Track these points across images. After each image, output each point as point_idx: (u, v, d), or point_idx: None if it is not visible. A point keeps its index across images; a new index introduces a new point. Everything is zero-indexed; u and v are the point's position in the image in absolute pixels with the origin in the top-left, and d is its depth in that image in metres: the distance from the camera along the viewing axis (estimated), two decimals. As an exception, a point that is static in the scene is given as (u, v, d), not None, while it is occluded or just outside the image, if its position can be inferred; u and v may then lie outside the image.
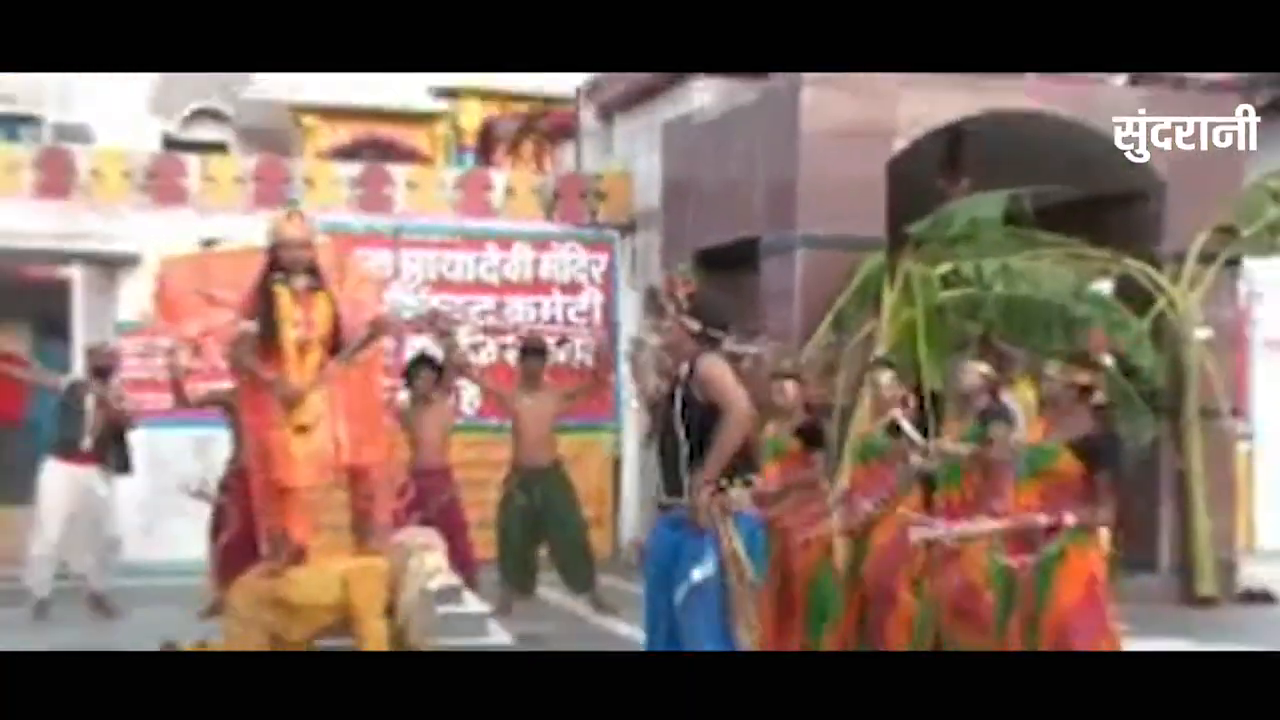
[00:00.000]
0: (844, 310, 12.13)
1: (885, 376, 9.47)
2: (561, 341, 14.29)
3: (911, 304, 11.87)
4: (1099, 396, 7.29)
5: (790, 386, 9.86)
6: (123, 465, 12.13)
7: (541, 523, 11.86)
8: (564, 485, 12.00)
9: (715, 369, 6.67)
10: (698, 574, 6.58)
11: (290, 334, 8.54)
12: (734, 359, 7.56)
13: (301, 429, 8.53)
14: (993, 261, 11.92)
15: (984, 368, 9.19)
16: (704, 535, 6.61)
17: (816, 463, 9.61)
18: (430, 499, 11.53)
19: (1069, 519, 6.93)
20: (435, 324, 12.23)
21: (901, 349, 11.61)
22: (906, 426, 9.21)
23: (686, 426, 6.68)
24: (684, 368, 6.77)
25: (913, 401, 9.63)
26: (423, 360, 11.90)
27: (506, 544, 11.96)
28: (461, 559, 11.21)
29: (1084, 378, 7.23)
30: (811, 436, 9.67)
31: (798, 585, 9.60)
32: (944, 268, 12.01)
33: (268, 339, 8.54)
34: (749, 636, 6.64)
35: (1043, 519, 6.99)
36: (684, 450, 6.68)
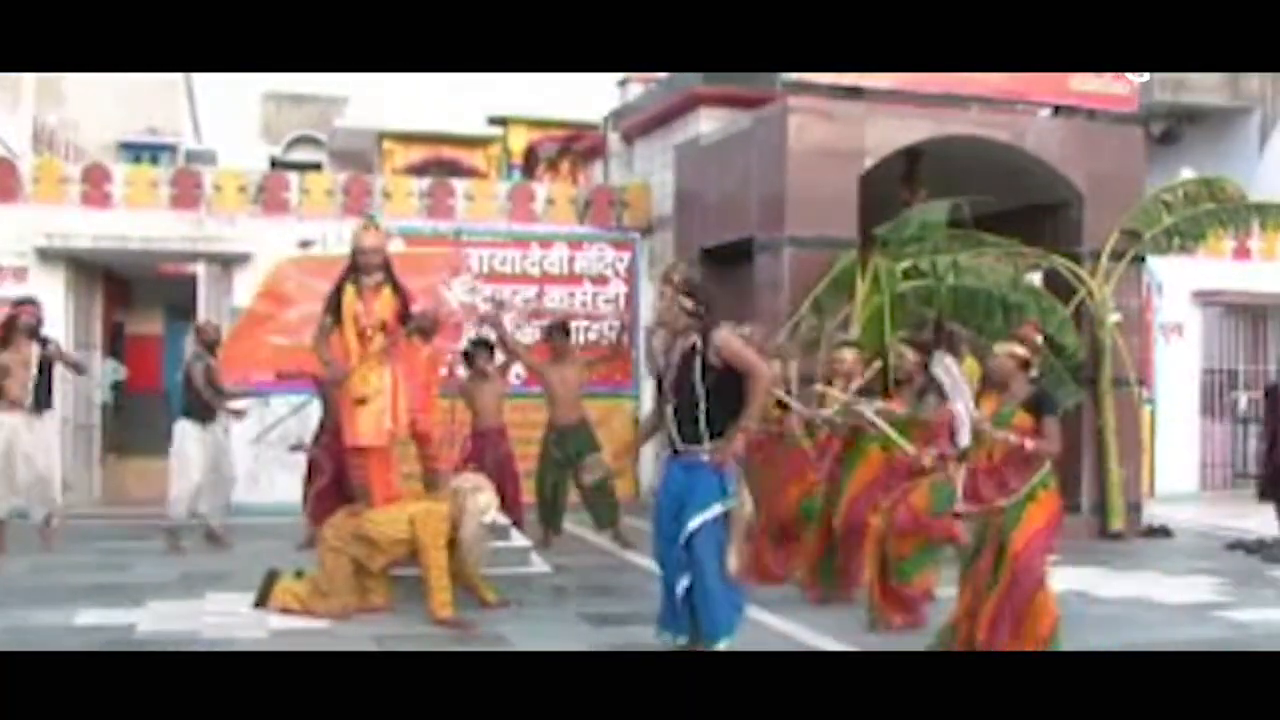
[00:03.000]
0: (822, 298, 11.96)
1: (848, 353, 9.50)
2: (596, 320, 14.24)
3: (879, 293, 11.71)
4: (1034, 369, 7.25)
5: (849, 353, 9.75)
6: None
7: (572, 471, 11.75)
8: (590, 439, 11.90)
9: (733, 340, 6.62)
10: (716, 508, 6.53)
11: (350, 321, 8.58)
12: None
13: (362, 400, 8.54)
14: (945, 258, 11.83)
15: (914, 354, 8.89)
16: (714, 476, 6.53)
17: (789, 423, 9.67)
18: (488, 453, 11.53)
19: (1029, 444, 6.91)
20: (488, 318, 12.28)
21: (870, 330, 11.50)
22: (784, 398, 9.56)
23: (706, 387, 6.55)
24: (695, 339, 6.61)
25: (866, 373, 9.46)
26: (479, 343, 11.92)
27: (542, 490, 11.88)
28: (513, 502, 11.18)
29: (1022, 352, 7.16)
30: (784, 405, 9.65)
31: (778, 517, 9.65)
32: (905, 263, 11.87)
33: (338, 328, 8.60)
34: (736, 561, 6.56)
35: (1014, 438, 6.96)
36: (702, 406, 6.55)
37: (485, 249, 15.02)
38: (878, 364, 9.75)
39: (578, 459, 11.50)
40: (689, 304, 6.77)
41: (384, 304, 8.71)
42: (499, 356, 12.03)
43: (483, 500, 8.66)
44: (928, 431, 8.44)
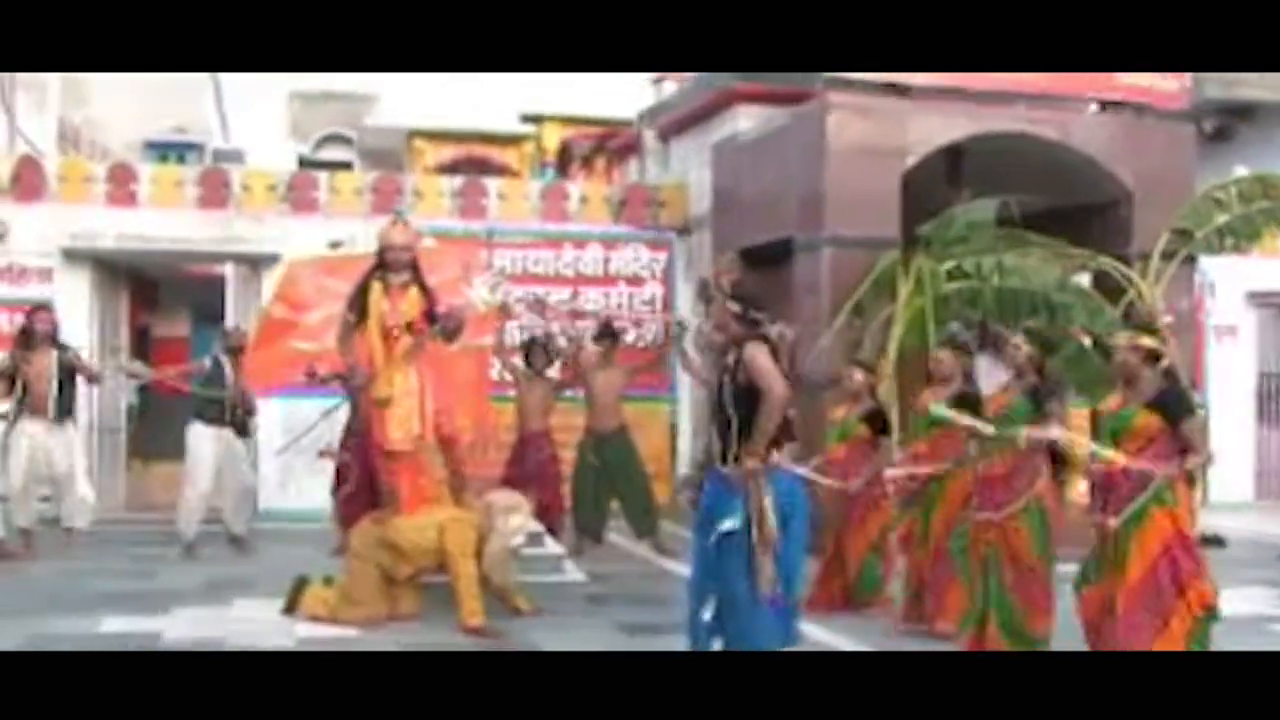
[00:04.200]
0: (864, 299, 11.96)
1: (946, 355, 8.90)
2: (637, 324, 14.25)
3: (921, 294, 11.68)
4: (1165, 360, 6.81)
5: (859, 374, 9.61)
6: (242, 427, 12.00)
7: (611, 479, 11.79)
8: (628, 446, 11.95)
9: (756, 356, 6.46)
10: (726, 524, 6.44)
11: (376, 321, 8.56)
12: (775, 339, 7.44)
13: (386, 402, 8.54)
14: (989, 258, 11.76)
15: (952, 356, 8.71)
16: (736, 494, 6.45)
17: (883, 448, 9.24)
18: (529, 457, 11.58)
19: (1165, 468, 6.48)
20: (537, 311, 12.50)
21: (913, 331, 11.47)
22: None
23: (735, 405, 6.50)
24: (732, 355, 6.55)
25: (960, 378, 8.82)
26: (535, 341, 11.92)
27: (580, 497, 11.91)
28: (551, 508, 11.20)
29: (1149, 342, 6.76)
30: (879, 423, 9.35)
31: (851, 555, 9.30)
32: (948, 264, 11.84)
33: (361, 326, 8.59)
34: (766, 585, 6.38)
35: (1122, 460, 6.53)
36: (733, 425, 6.49)
37: (518, 249, 15.04)
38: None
39: (615, 466, 11.57)
40: (737, 308, 6.72)
41: (411, 303, 8.70)
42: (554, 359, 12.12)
43: (514, 522, 8.67)
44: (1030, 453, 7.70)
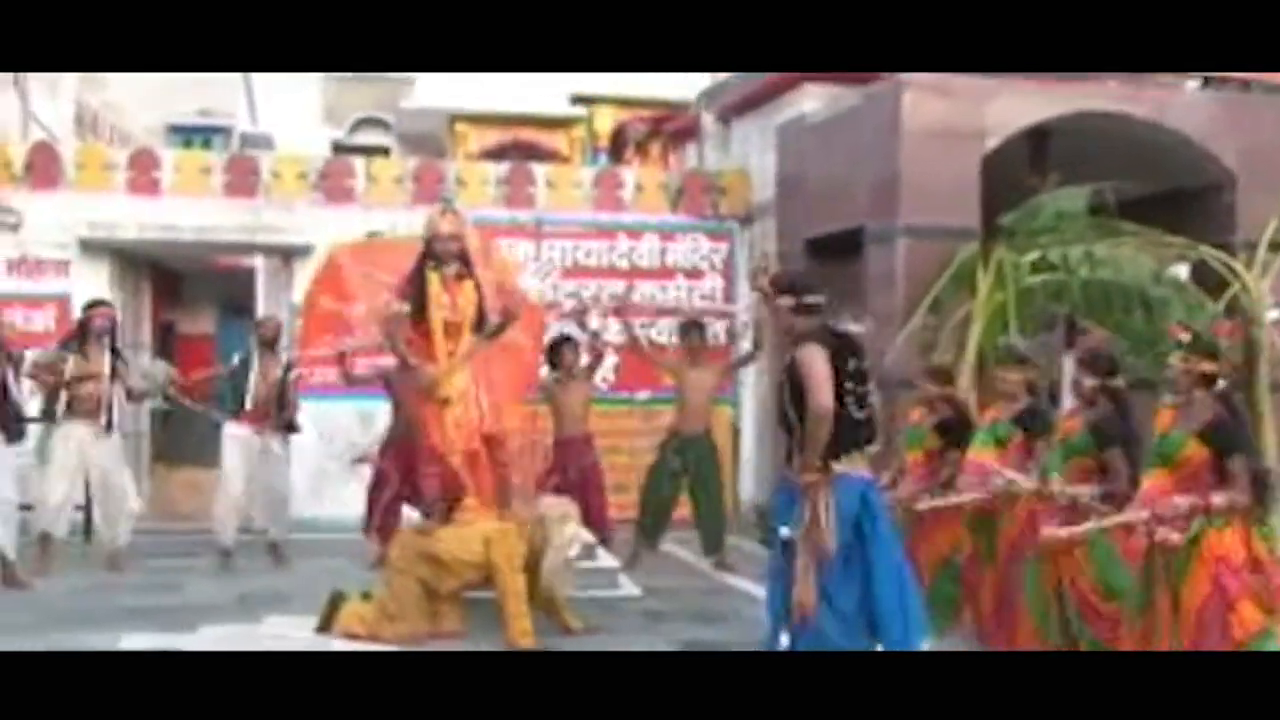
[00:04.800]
0: (941, 294, 11.86)
1: (1013, 373, 8.72)
2: (724, 317, 14.29)
3: (1003, 288, 11.58)
4: (1222, 383, 6.70)
5: (933, 381, 9.56)
6: (285, 427, 12.04)
7: (688, 485, 11.80)
8: (713, 452, 12.01)
9: (806, 360, 6.54)
10: (784, 531, 6.59)
11: (438, 316, 8.56)
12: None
13: (448, 401, 8.55)
14: (1077, 249, 11.65)
15: (1015, 373, 8.61)
16: (795, 500, 6.55)
17: (948, 462, 9.13)
18: (571, 464, 11.55)
19: (1214, 500, 6.37)
20: (622, 307, 12.49)
21: (994, 329, 11.38)
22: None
23: (794, 408, 6.57)
24: (789, 356, 6.64)
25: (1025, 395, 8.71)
26: (565, 340, 11.90)
27: (651, 500, 11.89)
28: (598, 518, 11.18)
29: (1207, 365, 6.65)
30: (954, 433, 9.26)
31: (923, 572, 9.23)
32: (1032, 255, 11.73)
33: (418, 320, 8.58)
34: (807, 597, 6.44)
35: (1182, 501, 6.42)
36: (796, 430, 6.57)
37: (568, 240, 15.08)
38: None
39: (695, 472, 11.56)
40: (789, 301, 6.79)
41: (468, 297, 8.72)
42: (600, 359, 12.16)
43: (569, 531, 8.69)
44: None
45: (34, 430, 11.28)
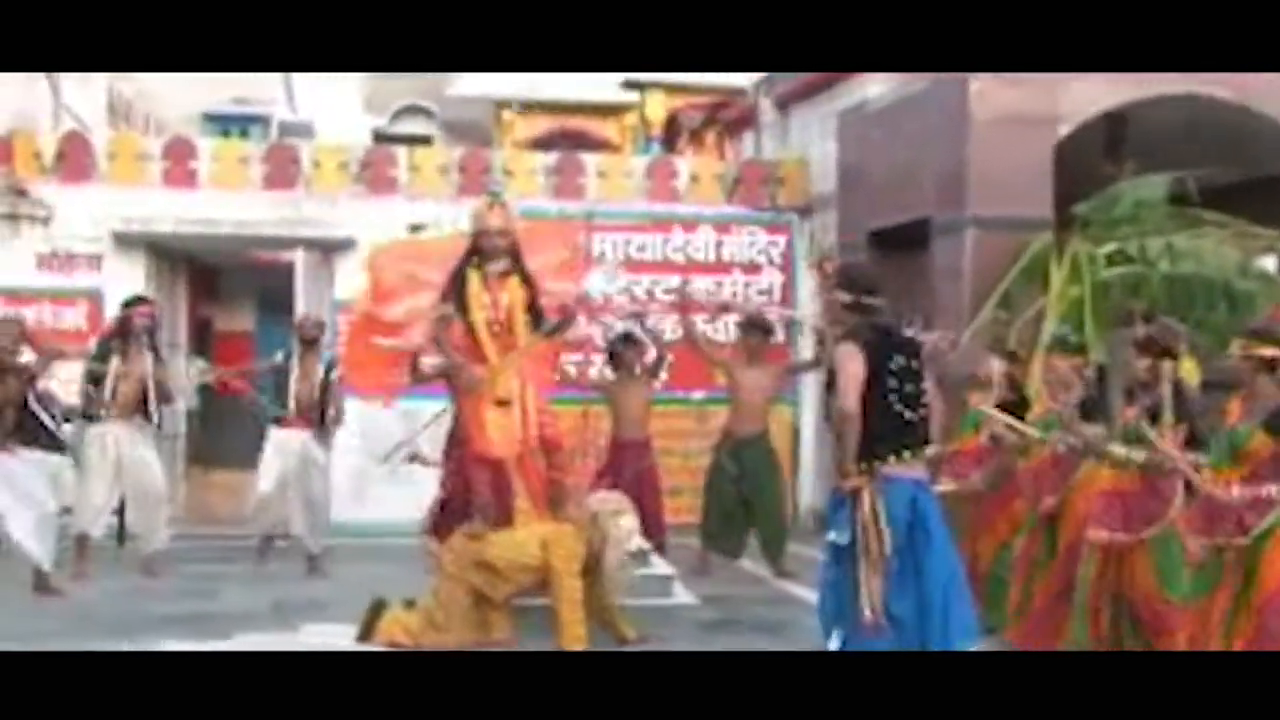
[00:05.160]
0: (1012, 288, 11.82)
1: (1059, 360, 8.84)
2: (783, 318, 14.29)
3: (1078, 282, 11.54)
4: None
5: (996, 361, 9.55)
6: (327, 431, 12.10)
7: (746, 489, 11.77)
8: (770, 454, 11.99)
9: (841, 361, 6.62)
10: (832, 535, 6.68)
11: (479, 316, 8.54)
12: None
13: (496, 404, 8.53)
14: (1157, 240, 11.58)
15: (1067, 360, 8.65)
16: (843, 504, 6.61)
17: (1007, 444, 9.16)
18: (627, 467, 11.55)
19: (1271, 490, 6.32)
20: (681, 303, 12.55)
21: (1068, 326, 11.27)
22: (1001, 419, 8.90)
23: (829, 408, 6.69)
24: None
25: (1080, 383, 8.76)
26: (627, 339, 11.91)
27: (714, 508, 11.87)
28: (653, 523, 11.16)
29: (1268, 351, 6.55)
30: (1013, 414, 9.23)
31: (980, 565, 9.20)
32: (1109, 247, 11.69)
33: (464, 321, 8.57)
34: (867, 604, 6.47)
35: (1236, 491, 6.42)
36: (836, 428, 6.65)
37: (620, 233, 15.08)
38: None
39: (751, 476, 11.53)
40: (847, 297, 6.81)
41: (511, 294, 8.69)
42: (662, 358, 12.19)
43: (625, 525, 8.69)
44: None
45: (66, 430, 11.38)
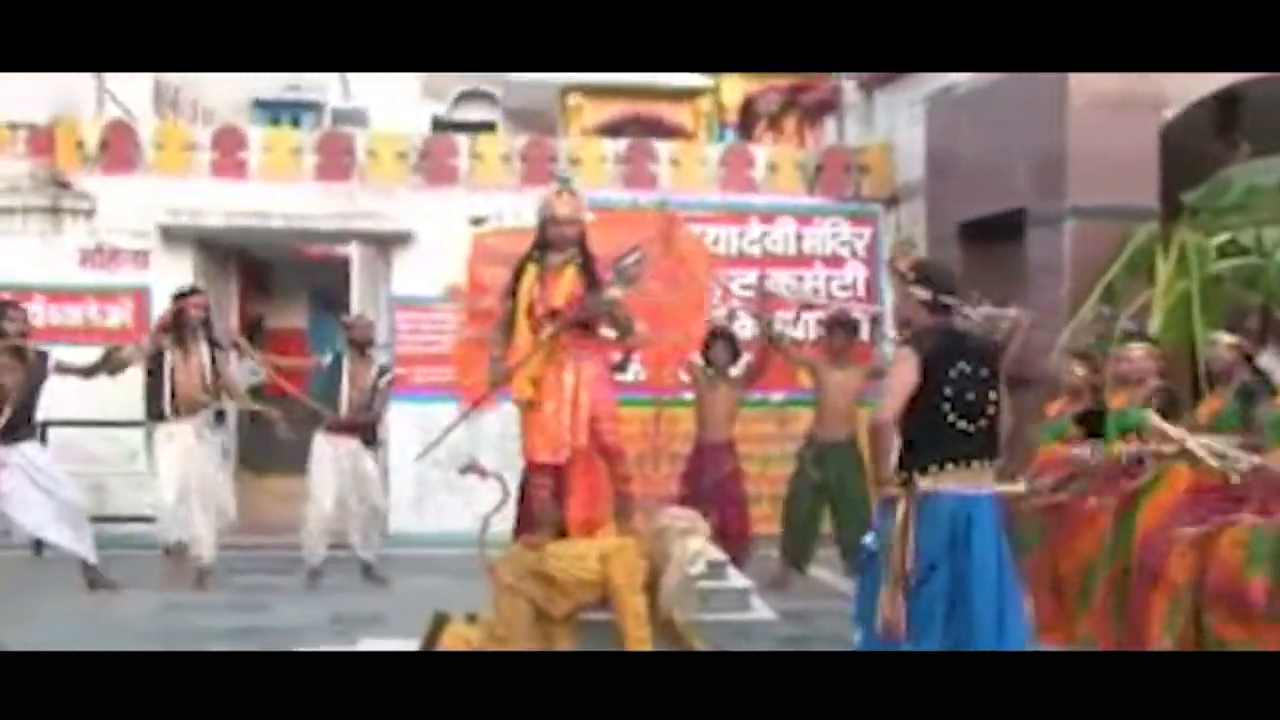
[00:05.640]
0: (1114, 282, 11.66)
1: (1136, 350, 8.93)
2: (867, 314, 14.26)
3: (1186, 275, 11.37)
4: None
5: (1079, 367, 9.48)
6: (371, 437, 12.15)
7: (831, 498, 11.72)
8: (857, 461, 11.84)
9: (894, 361, 6.82)
10: (867, 540, 6.96)
11: (523, 310, 8.48)
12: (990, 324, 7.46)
13: (533, 404, 8.47)
14: (1273, 229, 11.39)
15: (1231, 338, 8.57)
16: (884, 513, 6.76)
17: (1096, 450, 9.10)
18: (708, 473, 11.52)
19: None
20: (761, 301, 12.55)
21: (1175, 322, 11.19)
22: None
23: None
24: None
25: (1155, 382, 8.91)
26: (721, 334, 11.88)
27: (793, 517, 11.84)
28: (734, 533, 11.14)
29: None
30: (1093, 424, 9.20)
31: (1070, 571, 9.17)
32: (1221, 237, 11.52)
33: (511, 314, 8.55)
34: (893, 617, 6.60)
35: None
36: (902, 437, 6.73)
37: (694, 225, 14.99)
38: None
39: (836, 483, 11.48)
40: (925, 294, 6.85)
41: (562, 287, 8.60)
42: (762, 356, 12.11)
43: (693, 546, 8.60)
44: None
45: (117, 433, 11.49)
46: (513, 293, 8.59)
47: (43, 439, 11.80)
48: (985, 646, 6.56)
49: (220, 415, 11.71)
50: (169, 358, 11.41)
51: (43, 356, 11.17)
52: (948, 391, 6.64)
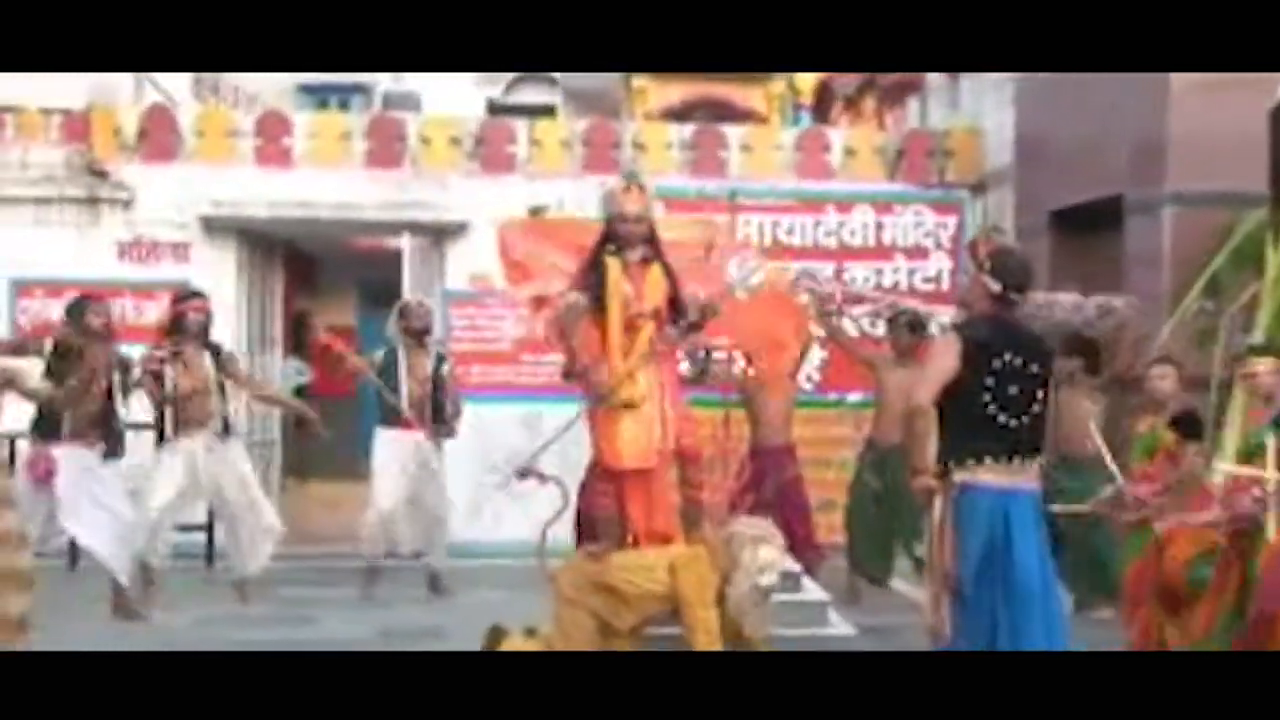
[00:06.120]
0: (1219, 273, 11.56)
1: (1261, 364, 8.57)
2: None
3: (1300, 266, 11.28)
4: None
5: (1171, 372, 9.40)
6: (444, 432, 12.13)
7: (893, 506, 11.65)
8: None
9: (935, 347, 7.12)
10: (918, 548, 7.15)
11: (617, 308, 8.43)
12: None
13: (626, 408, 8.43)
14: (1396, 219, 11.31)
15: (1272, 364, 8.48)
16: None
17: (1194, 458, 9.02)
18: (769, 479, 11.46)
19: None
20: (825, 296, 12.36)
21: (1283, 319, 11.09)
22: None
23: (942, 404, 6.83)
24: None
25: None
26: None
27: (857, 527, 11.79)
28: (802, 542, 11.07)
29: None
30: (1189, 428, 9.11)
31: (1178, 586, 9.08)
32: (1339, 224, 11.42)
33: (596, 313, 8.48)
34: (939, 626, 6.77)
35: None
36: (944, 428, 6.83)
37: (766, 214, 15.01)
38: None
39: (898, 489, 11.41)
40: (995, 286, 6.93)
41: (654, 285, 8.59)
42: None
43: (764, 556, 8.55)
44: None
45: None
46: (591, 286, 8.55)
47: (119, 451, 11.65)
48: (1029, 646, 6.64)
49: (226, 425, 11.57)
50: (168, 370, 11.23)
51: (124, 362, 11.13)
52: (989, 383, 6.77)
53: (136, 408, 11.63)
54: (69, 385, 10.52)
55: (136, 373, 11.21)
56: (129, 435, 11.46)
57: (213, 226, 14.63)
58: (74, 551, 12.19)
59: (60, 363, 10.66)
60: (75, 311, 11.03)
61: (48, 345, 10.88)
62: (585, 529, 9.96)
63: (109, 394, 11.00)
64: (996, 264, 7.01)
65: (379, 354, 12.09)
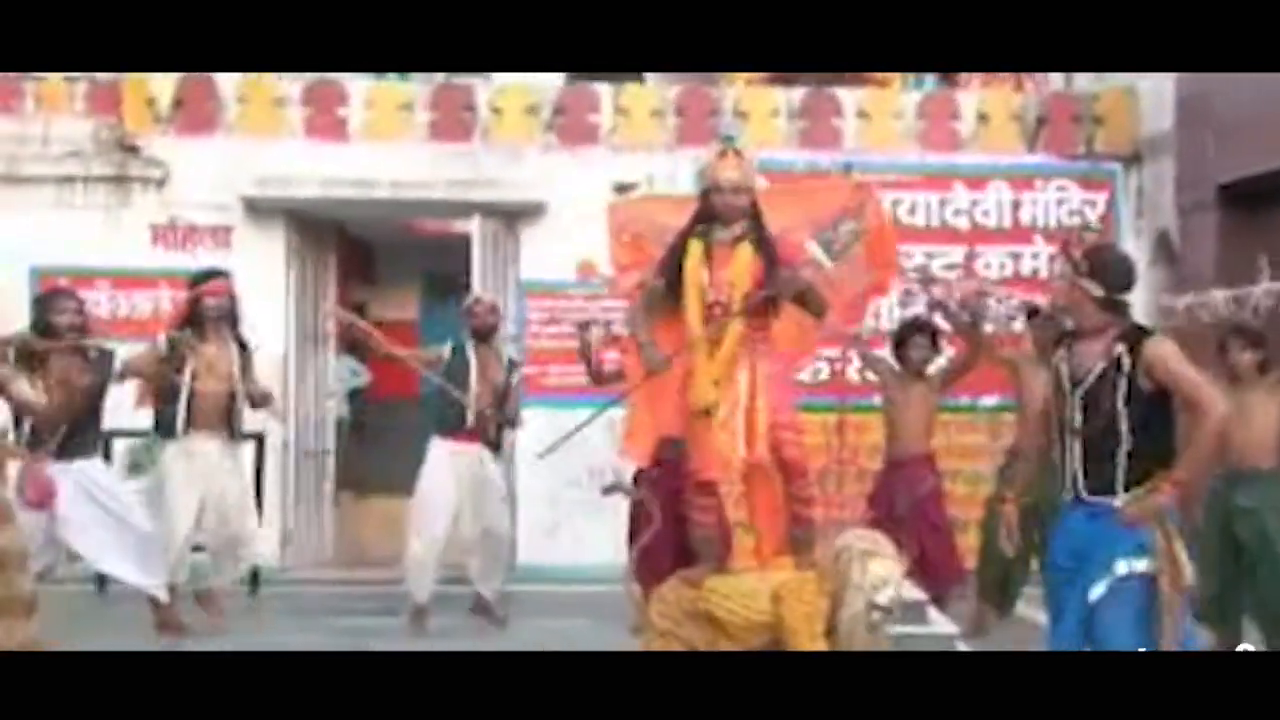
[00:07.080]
0: None
1: None
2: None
3: None
4: None
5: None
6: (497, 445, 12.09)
7: (1040, 524, 11.54)
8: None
9: (1171, 357, 6.82)
10: (1123, 568, 6.82)
11: (694, 296, 8.33)
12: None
13: (707, 412, 8.31)
14: None
15: None
16: (1136, 531, 6.79)
17: None
18: (901, 493, 11.37)
19: None
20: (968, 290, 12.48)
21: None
22: None
23: (1131, 419, 6.79)
24: (1119, 347, 6.86)
25: None
26: (918, 326, 11.76)
27: (992, 550, 11.66)
28: (936, 566, 10.98)
29: None
30: None
31: None
32: None
33: (670, 300, 8.39)
34: (1172, 643, 6.72)
35: None
36: (1125, 446, 6.83)
37: (886, 191, 14.85)
38: None
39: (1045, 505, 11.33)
40: (1098, 290, 6.94)
41: (739, 267, 8.46)
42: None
43: (876, 570, 8.42)
44: None
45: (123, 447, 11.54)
46: (668, 270, 8.48)
47: (107, 454, 11.79)
48: None
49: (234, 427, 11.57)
50: (188, 360, 11.18)
51: (105, 356, 11.09)
52: None
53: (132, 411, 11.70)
54: (54, 401, 10.56)
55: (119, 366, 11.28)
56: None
57: (257, 208, 14.67)
58: (101, 575, 12.21)
59: (24, 369, 10.64)
60: (37, 309, 11.03)
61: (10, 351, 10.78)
62: (653, 552, 9.91)
63: (96, 398, 11.00)
64: (1096, 265, 7.02)
65: (443, 348, 11.97)
